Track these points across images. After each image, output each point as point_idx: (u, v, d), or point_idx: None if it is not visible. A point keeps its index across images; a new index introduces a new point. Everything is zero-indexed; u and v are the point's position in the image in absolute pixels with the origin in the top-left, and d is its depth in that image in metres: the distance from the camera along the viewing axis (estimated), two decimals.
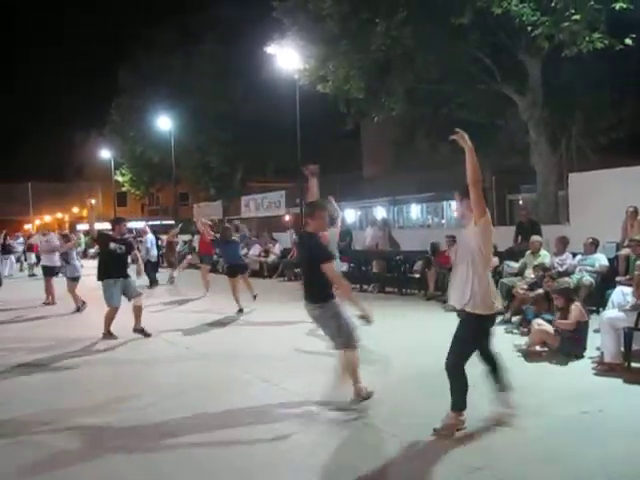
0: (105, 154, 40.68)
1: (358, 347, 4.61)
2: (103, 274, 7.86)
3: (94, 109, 44.32)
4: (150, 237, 15.09)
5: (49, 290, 11.82)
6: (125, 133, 35.42)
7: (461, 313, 4.07)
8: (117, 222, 8.31)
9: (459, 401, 4.04)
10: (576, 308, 6.12)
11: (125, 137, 35.67)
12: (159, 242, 17.05)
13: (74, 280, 10.90)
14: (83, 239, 23.84)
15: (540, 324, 6.39)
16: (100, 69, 68.64)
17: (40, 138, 54.45)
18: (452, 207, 25.97)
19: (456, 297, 4.11)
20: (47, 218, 51.17)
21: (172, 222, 35.06)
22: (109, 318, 7.90)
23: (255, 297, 10.17)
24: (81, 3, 77.90)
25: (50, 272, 11.84)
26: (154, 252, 14.91)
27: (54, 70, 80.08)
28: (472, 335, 4.10)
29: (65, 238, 11.56)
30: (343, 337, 4.55)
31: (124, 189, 42.42)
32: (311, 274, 4.69)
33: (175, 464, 3.74)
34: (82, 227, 32.98)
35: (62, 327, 9.18)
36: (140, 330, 7.94)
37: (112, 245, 7.86)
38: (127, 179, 39.63)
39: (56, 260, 11.70)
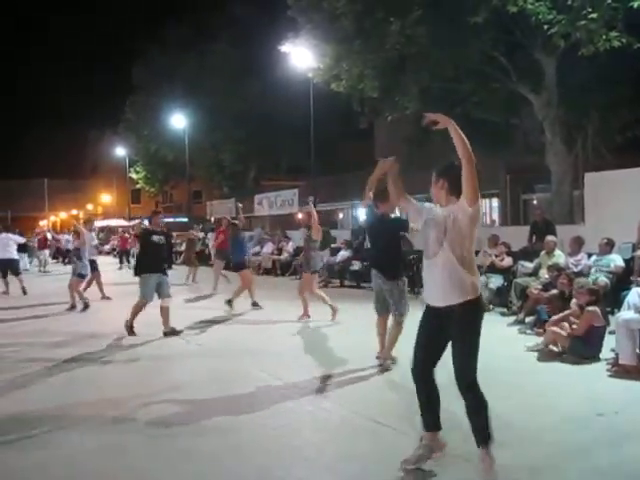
0: (120, 152, 41.05)
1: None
2: (143, 268, 8.00)
3: (109, 107, 44.60)
4: None
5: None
6: (139, 131, 35.69)
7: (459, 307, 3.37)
8: (154, 215, 8.59)
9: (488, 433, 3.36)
10: (589, 312, 6.05)
11: (139, 135, 35.94)
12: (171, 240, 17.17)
13: (80, 277, 10.79)
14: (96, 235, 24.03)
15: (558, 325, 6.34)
16: (115, 67, 69.00)
17: (55, 136, 54.81)
18: None
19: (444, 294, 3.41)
20: (62, 215, 51.69)
21: (186, 220, 35.25)
22: (137, 311, 7.92)
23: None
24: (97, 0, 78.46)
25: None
26: None
27: (70, 68, 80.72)
28: (480, 326, 3.43)
29: (76, 234, 11.34)
30: (401, 309, 5.82)
31: (138, 186, 42.74)
32: (388, 250, 6.11)
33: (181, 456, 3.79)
34: (97, 223, 33.17)
35: (78, 323, 9.30)
36: (170, 332, 7.86)
37: (155, 237, 8.03)
38: (141, 176, 39.94)
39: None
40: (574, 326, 6.21)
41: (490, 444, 3.29)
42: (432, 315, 3.46)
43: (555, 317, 6.48)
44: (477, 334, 3.39)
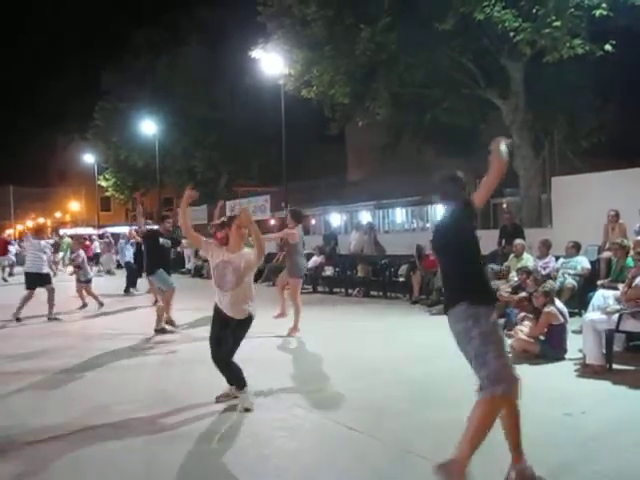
0: (89, 158, 40.42)
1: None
2: (153, 266, 8.72)
3: (77, 113, 43.90)
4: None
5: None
6: (109, 137, 35.23)
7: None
8: (162, 219, 9.57)
9: None
10: (546, 313, 6.18)
11: (109, 141, 35.48)
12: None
13: (86, 282, 11.52)
14: (66, 244, 23.58)
15: (521, 330, 6.45)
16: (84, 72, 67.97)
17: (21, 141, 53.82)
18: (437, 211, 26.12)
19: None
20: (29, 223, 50.60)
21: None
22: (168, 302, 8.47)
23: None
24: (65, 2, 77.23)
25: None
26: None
27: (36, 72, 79.25)
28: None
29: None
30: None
31: (108, 194, 42.13)
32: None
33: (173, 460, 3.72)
34: (65, 231, 32.57)
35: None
36: (161, 330, 8.27)
37: (161, 240, 8.84)
38: (111, 184, 39.37)
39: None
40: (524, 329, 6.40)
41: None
42: None
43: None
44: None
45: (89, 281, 11.66)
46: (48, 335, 8.79)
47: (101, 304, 11.35)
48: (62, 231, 39.27)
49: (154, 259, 8.80)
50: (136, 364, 6.69)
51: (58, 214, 53.24)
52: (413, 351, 6.90)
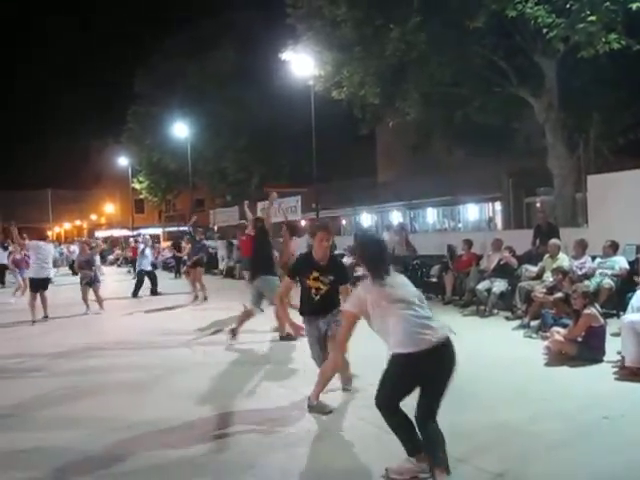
0: (122, 161, 41.22)
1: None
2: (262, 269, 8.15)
3: (111, 116, 44.83)
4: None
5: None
6: (142, 140, 35.83)
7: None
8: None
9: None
10: (586, 315, 6.07)
11: (142, 144, 36.08)
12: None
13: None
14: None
15: (557, 332, 6.36)
16: (117, 76, 69.36)
17: (58, 146, 55.12)
18: (468, 211, 25.86)
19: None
20: (67, 225, 51.83)
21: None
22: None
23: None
24: (98, 9, 78.77)
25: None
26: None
27: (71, 79, 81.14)
28: None
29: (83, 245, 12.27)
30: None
31: (141, 196, 42.86)
32: None
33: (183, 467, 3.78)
34: (101, 234, 33.31)
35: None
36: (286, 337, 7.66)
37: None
38: (144, 186, 40.04)
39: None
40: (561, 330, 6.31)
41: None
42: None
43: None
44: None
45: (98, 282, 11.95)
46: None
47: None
48: (97, 233, 40.13)
49: (261, 261, 7.98)
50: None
51: (94, 216, 54.38)
52: None
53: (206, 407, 5.05)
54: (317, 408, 4.76)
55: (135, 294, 14.35)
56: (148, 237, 16.97)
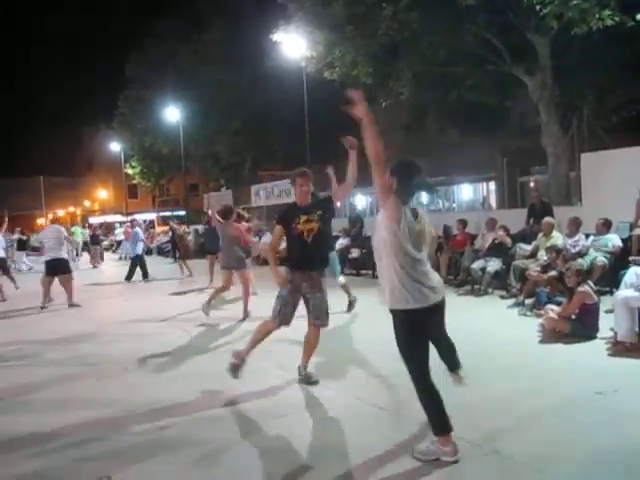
0: (115, 147, 40.95)
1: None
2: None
3: (103, 102, 44.43)
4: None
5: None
6: (133, 125, 35.61)
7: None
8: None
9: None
10: (580, 292, 6.10)
11: (134, 129, 35.85)
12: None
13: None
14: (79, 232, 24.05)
15: (552, 309, 6.39)
16: (108, 61, 68.49)
17: (50, 132, 54.65)
18: (462, 190, 25.85)
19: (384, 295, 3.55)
20: (60, 212, 51.56)
21: (183, 213, 35.23)
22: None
23: None
24: None
25: None
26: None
27: (62, 64, 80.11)
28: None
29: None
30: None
31: (135, 181, 42.66)
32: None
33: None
34: (94, 220, 33.19)
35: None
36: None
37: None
38: (137, 171, 39.86)
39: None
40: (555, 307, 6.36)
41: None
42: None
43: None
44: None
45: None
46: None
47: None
48: (91, 219, 39.96)
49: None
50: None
51: (87, 203, 54.11)
52: None
53: (202, 387, 5.08)
54: (305, 379, 4.99)
55: (129, 278, 14.45)
56: (141, 222, 17.00)
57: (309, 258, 4.88)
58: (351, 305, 8.49)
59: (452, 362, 3.81)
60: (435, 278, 3.57)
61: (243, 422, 4.28)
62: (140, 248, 14.75)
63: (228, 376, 4.94)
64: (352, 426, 4.06)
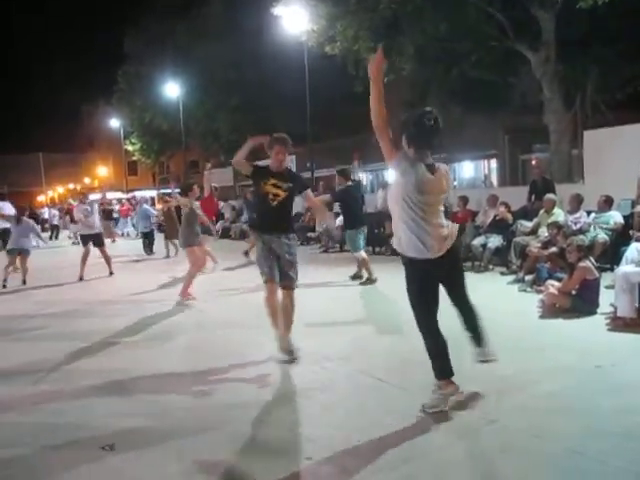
0: (114, 123, 40.67)
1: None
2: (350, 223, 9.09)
3: (102, 78, 44.00)
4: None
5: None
6: (133, 102, 35.31)
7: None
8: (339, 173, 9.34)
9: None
10: (581, 268, 6.11)
11: (133, 106, 35.57)
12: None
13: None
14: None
15: (552, 285, 6.42)
16: (106, 37, 67.69)
17: (49, 109, 54.25)
18: (464, 168, 25.74)
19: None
20: (60, 189, 51.45)
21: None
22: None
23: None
24: None
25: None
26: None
27: (61, 41, 79.16)
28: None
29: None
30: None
31: (134, 158, 42.45)
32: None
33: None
34: (94, 197, 33.08)
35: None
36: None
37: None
38: (137, 148, 39.61)
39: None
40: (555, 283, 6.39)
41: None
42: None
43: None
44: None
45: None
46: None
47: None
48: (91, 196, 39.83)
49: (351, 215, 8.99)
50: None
51: (87, 180, 53.95)
52: (443, 304, 6.86)
53: (200, 360, 5.14)
54: (288, 352, 4.99)
55: (150, 251, 14.90)
56: (147, 198, 17.22)
57: (271, 221, 4.99)
58: (368, 281, 8.65)
59: (476, 334, 3.84)
60: (438, 233, 3.58)
61: (245, 398, 4.32)
62: (151, 223, 15.18)
63: (226, 349, 4.97)
64: (355, 399, 4.10)
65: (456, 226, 3.74)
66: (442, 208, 3.71)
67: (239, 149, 5.19)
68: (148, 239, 15.17)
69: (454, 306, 3.80)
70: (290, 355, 4.96)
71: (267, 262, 4.93)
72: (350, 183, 9.14)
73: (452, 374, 3.66)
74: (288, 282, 5.01)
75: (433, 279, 3.65)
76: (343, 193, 9.09)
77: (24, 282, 10.56)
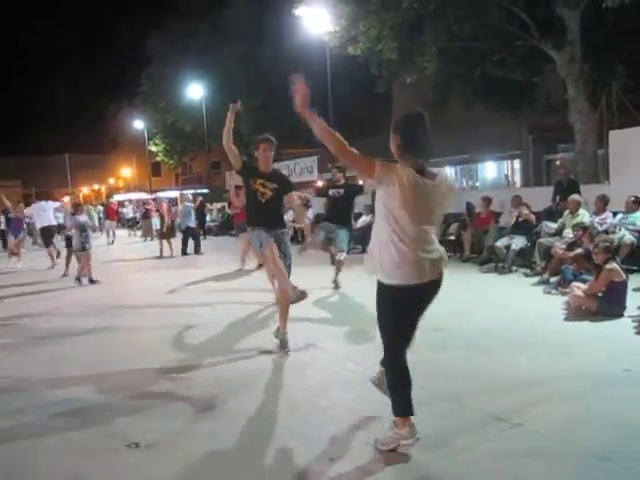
0: (138, 125, 41.14)
1: None
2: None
3: (126, 80, 44.55)
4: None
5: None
6: (156, 103, 35.69)
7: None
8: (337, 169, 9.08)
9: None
10: (608, 269, 6.03)
11: (156, 107, 35.95)
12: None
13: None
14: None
15: (577, 287, 6.34)
16: (130, 39, 68.52)
17: (75, 111, 55.05)
18: (487, 168, 25.52)
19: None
20: (85, 190, 52.18)
21: (206, 190, 35.41)
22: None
23: None
24: None
25: None
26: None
27: (85, 43, 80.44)
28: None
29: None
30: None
31: (158, 159, 42.90)
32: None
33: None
34: (119, 197, 33.59)
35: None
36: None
37: (331, 191, 8.78)
38: (160, 149, 40.01)
39: None
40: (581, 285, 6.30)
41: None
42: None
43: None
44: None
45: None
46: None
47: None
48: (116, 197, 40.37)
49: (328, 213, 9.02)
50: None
51: (112, 180, 54.66)
52: (467, 306, 6.82)
53: (206, 352, 5.39)
54: (282, 341, 5.23)
55: (184, 252, 15.13)
56: (191, 197, 17.56)
57: (261, 218, 5.34)
58: (335, 284, 8.53)
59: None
60: (420, 259, 3.07)
61: (268, 395, 4.35)
62: (192, 221, 15.38)
63: (231, 341, 5.02)
64: (377, 400, 4.09)
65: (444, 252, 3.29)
66: (435, 229, 3.22)
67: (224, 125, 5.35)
68: (192, 237, 15.45)
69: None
70: (282, 345, 5.22)
71: (261, 235, 5.24)
72: (343, 181, 8.82)
73: (412, 413, 3.20)
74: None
75: (406, 307, 3.19)
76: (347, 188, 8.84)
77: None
